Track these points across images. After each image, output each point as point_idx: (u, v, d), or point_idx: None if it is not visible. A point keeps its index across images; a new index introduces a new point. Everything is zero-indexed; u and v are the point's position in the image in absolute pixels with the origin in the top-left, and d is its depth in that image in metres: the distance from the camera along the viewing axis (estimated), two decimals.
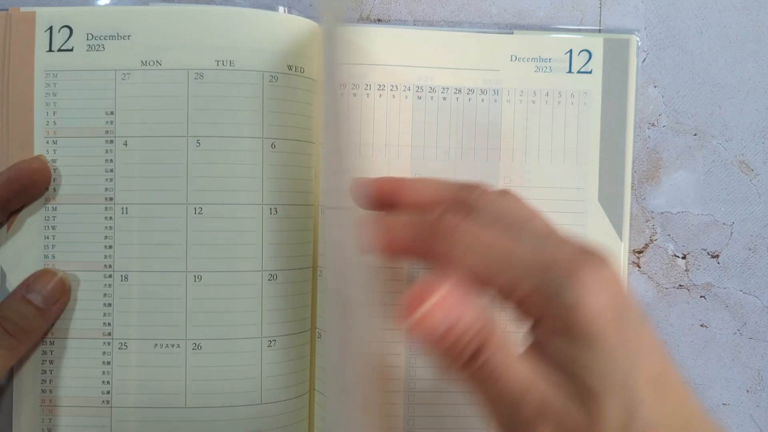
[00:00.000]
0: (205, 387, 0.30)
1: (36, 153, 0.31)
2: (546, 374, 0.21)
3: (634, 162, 0.35)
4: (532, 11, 0.35)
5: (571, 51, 0.33)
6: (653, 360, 0.21)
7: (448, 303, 0.22)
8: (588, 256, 0.22)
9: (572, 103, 0.33)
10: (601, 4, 0.35)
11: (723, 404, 0.36)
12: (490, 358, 0.21)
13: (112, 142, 0.31)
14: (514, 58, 0.33)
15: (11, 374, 0.30)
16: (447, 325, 0.21)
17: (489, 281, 0.23)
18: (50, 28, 0.31)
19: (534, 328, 0.22)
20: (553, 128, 0.33)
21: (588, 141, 0.33)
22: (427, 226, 0.24)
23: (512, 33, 0.34)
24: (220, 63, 0.30)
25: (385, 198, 0.27)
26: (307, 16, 0.32)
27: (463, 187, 0.26)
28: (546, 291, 0.22)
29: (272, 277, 0.31)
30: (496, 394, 0.21)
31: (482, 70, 0.33)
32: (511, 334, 0.22)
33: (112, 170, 0.31)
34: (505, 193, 0.26)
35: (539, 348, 0.22)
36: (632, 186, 0.35)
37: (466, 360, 0.22)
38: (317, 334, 0.33)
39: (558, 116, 0.33)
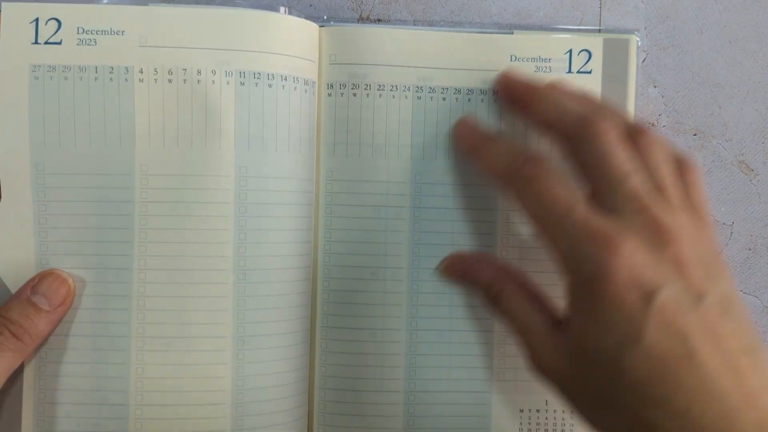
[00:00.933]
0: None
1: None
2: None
3: None
4: (532, 11, 0.35)
5: (570, 51, 0.33)
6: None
7: None
8: (635, 233, 0.25)
9: None
10: (601, 4, 0.35)
11: None
12: None
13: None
14: (514, 58, 0.33)
15: (18, 375, 0.30)
16: None
17: (541, 236, 0.27)
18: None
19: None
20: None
21: None
22: (515, 165, 0.28)
23: (512, 33, 0.34)
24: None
25: (517, 103, 0.32)
26: (308, 17, 0.32)
27: (586, 121, 0.28)
28: (576, 261, 0.25)
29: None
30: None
31: (482, 71, 0.33)
32: None
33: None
34: (638, 132, 0.28)
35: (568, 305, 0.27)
36: None
37: None
38: (323, 333, 0.33)
39: None
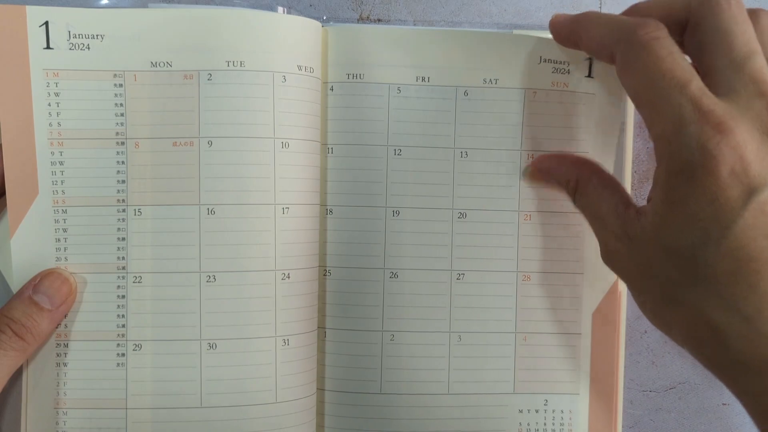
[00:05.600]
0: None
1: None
2: None
3: (634, 162, 0.36)
4: (532, 11, 0.36)
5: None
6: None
7: None
8: (749, 121, 0.24)
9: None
10: (601, 4, 0.36)
11: (723, 404, 0.37)
12: None
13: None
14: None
15: (19, 375, 0.31)
16: None
17: (641, 110, 0.26)
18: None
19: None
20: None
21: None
22: (627, 29, 0.26)
23: (511, 32, 0.35)
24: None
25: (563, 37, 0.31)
26: (307, 16, 0.33)
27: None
28: (680, 143, 0.24)
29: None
30: None
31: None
32: None
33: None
34: (759, 14, 0.27)
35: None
36: (632, 186, 0.36)
37: None
38: (326, 334, 0.34)
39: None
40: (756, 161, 0.23)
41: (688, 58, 0.26)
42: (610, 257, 0.28)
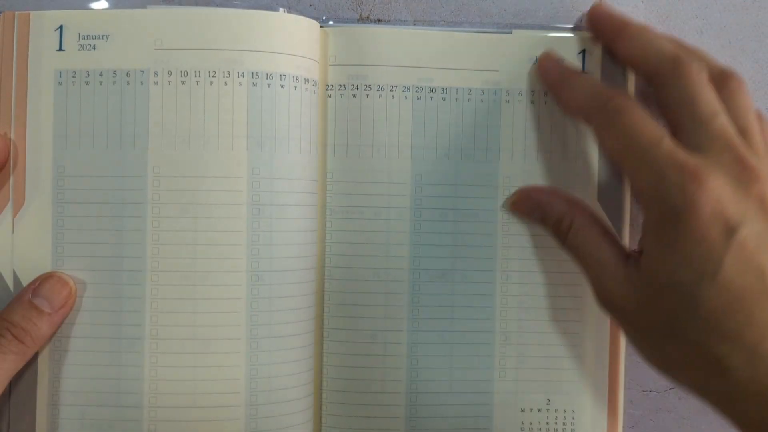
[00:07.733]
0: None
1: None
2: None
3: None
4: (532, 11, 0.36)
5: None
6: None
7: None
8: (721, 169, 0.26)
9: None
10: (601, 4, 0.36)
11: None
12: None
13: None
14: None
15: (32, 377, 0.32)
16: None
17: (622, 167, 0.30)
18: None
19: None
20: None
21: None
22: (602, 98, 0.30)
23: (511, 32, 0.35)
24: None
25: (606, 37, 0.33)
26: (307, 17, 0.33)
27: (677, 60, 0.29)
28: (661, 193, 0.26)
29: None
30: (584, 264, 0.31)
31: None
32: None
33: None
34: (727, 77, 0.29)
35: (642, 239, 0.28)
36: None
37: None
38: (326, 334, 0.34)
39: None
40: (731, 203, 0.26)
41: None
42: (609, 300, 0.30)
